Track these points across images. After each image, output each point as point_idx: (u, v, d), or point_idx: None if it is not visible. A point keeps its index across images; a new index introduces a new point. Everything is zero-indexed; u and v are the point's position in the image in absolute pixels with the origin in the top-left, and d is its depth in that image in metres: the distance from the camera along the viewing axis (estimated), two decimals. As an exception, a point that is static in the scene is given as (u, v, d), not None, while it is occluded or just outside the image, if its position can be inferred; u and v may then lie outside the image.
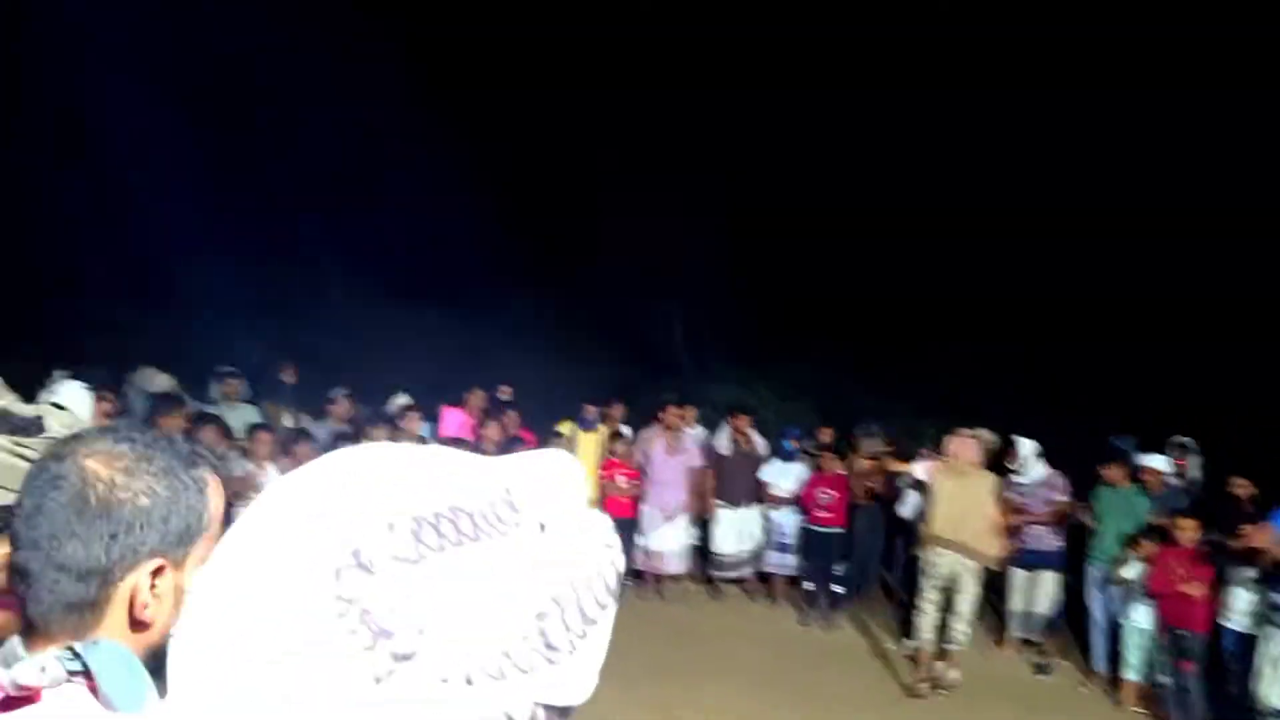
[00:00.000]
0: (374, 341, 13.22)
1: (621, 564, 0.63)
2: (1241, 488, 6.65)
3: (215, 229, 12.23)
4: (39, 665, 0.88)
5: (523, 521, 0.56)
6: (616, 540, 0.62)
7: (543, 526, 0.57)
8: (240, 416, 7.04)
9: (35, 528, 0.94)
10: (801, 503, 7.73)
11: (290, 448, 6.42)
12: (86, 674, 0.90)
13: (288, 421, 7.34)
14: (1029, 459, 6.98)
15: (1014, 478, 6.93)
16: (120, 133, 11.70)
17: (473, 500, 0.54)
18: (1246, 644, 5.71)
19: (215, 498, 1.06)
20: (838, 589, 7.67)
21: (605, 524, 0.63)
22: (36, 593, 0.94)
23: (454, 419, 7.93)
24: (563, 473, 0.63)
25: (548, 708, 0.52)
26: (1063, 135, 12.86)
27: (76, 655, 0.90)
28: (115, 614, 0.97)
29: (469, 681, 0.48)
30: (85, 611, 0.95)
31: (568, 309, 14.67)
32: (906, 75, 13.44)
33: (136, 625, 0.98)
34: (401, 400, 7.97)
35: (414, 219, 14.25)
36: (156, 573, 0.99)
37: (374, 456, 0.56)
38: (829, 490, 7.62)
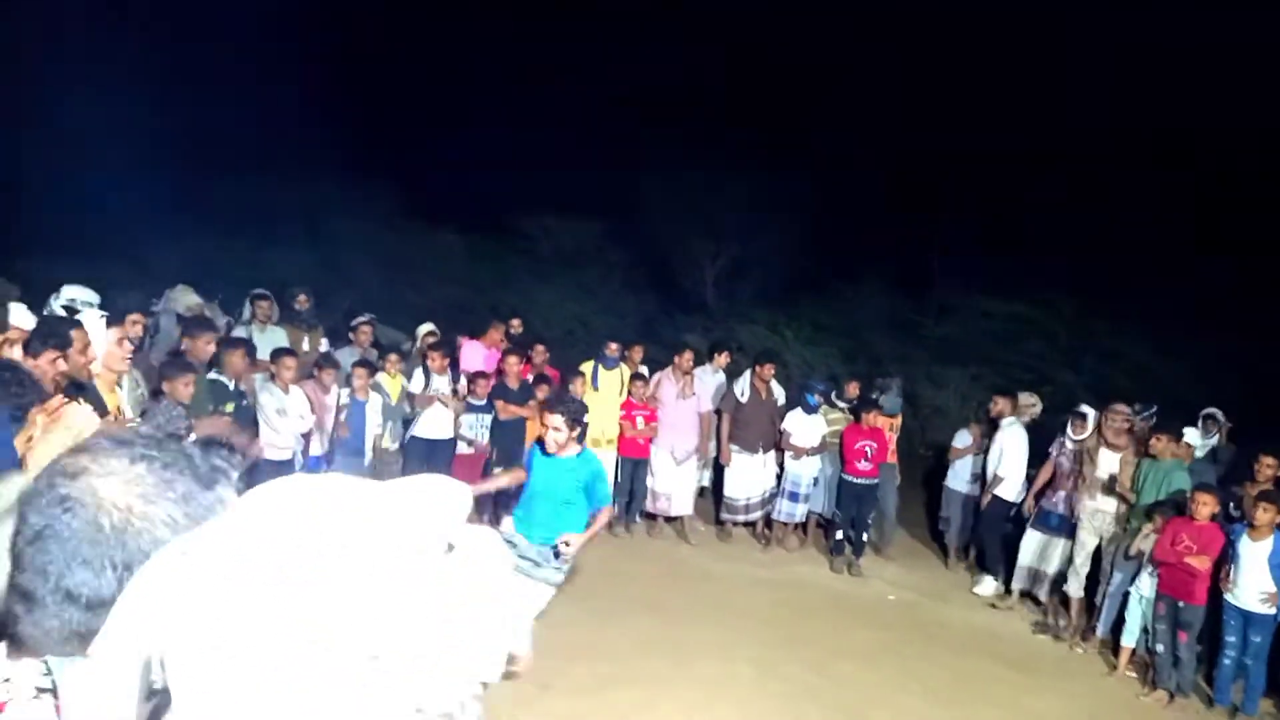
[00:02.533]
0: (409, 265, 13.36)
1: (513, 561, 0.71)
2: (1269, 467, 6.55)
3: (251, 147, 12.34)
4: (4, 676, 0.85)
5: (428, 546, 0.65)
6: (503, 548, 0.71)
7: (450, 547, 0.66)
8: (271, 339, 7.23)
9: (44, 552, 0.86)
10: (842, 454, 7.74)
11: (314, 372, 6.65)
12: (54, 692, 0.85)
13: (307, 345, 7.53)
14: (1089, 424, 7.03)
15: (1068, 443, 7.02)
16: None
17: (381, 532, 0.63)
18: (1248, 620, 5.74)
19: None
20: (864, 539, 7.81)
21: (490, 535, 0.70)
22: (38, 618, 0.87)
23: (475, 352, 8.02)
24: (446, 495, 0.70)
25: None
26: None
27: (49, 672, 0.85)
28: None
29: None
30: (89, 640, 0.87)
31: (604, 245, 14.69)
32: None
33: None
34: (425, 329, 8.10)
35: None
36: None
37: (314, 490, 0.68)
38: (871, 442, 7.65)
